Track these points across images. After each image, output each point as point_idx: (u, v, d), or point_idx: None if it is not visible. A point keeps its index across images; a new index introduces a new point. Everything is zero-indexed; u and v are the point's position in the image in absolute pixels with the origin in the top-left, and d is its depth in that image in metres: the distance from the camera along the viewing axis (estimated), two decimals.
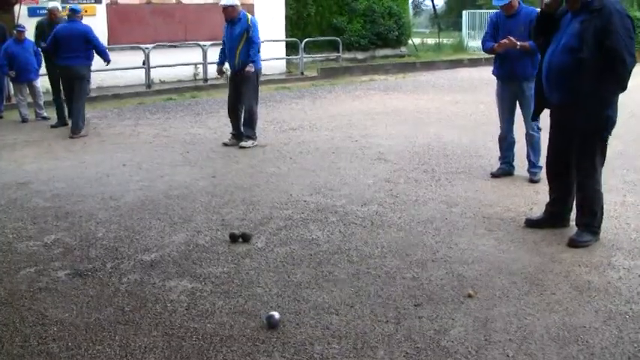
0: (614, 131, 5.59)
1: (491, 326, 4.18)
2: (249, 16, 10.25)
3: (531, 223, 6.13)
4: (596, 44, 5.28)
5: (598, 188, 5.68)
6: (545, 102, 5.91)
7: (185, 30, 19.60)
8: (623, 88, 5.39)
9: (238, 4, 10.15)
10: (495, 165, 8.18)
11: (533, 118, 6.45)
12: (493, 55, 7.96)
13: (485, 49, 7.99)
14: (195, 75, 19.72)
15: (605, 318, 4.30)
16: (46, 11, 13.08)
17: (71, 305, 4.59)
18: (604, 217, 5.77)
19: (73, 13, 11.57)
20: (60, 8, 12.87)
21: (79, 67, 11.34)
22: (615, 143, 7.40)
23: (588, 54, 5.31)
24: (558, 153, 5.86)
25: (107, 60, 11.87)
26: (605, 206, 5.80)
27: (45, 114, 13.07)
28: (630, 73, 5.31)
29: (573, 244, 5.58)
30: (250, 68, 10.10)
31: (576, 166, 5.69)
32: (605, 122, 5.42)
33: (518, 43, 7.45)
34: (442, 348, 3.93)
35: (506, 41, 7.48)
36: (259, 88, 10.57)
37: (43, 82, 13.32)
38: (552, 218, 6.06)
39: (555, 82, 5.65)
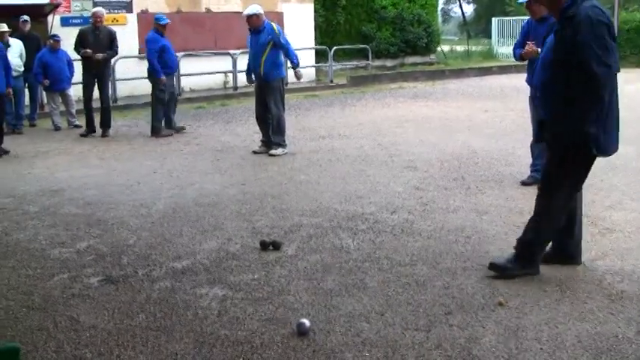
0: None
1: (522, 335, 4.16)
2: (274, 24, 10.32)
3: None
4: (568, 57, 4.77)
5: (551, 214, 5.12)
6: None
7: (215, 39, 19.74)
8: (598, 100, 4.77)
9: (262, 12, 10.23)
10: (526, 173, 8.13)
11: (535, 139, 5.91)
12: (525, 62, 7.94)
13: (514, 56, 7.97)
14: (225, 83, 19.86)
15: (639, 327, 4.26)
16: (90, 16, 13.13)
17: (103, 311, 4.63)
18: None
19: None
20: (105, 13, 12.99)
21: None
22: None
23: (560, 68, 4.83)
24: None
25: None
26: (636, 213, 5.68)
27: (77, 122, 13.26)
28: (604, 85, 4.72)
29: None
30: (300, 73, 10.43)
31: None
32: (585, 139, 4.83)
33: (540, 49, 7.41)
34: (473, 357, 3.91)
35: (528, 48, 7.47)
36: (285, 95, 10.64)
37: (75, 91, 13.49)
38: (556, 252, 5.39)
39: (540, 99, 5.35)
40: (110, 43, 12.31)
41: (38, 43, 13.54)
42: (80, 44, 12.21)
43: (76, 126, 13.21)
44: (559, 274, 5.15)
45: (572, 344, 4.03)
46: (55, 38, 13.22)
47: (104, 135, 12.30)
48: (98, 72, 12.32)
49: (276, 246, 5.85)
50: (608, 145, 5.00)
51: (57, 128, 13.20)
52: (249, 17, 10.12)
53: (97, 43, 12.11)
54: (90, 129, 12.43)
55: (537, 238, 5.15)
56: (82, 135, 12.35)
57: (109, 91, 12.65)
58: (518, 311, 4.50)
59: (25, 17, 13.61)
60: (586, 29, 4.70)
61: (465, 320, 4.37)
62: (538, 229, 5.15)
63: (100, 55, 11.96)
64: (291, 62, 10.27)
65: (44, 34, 14.77)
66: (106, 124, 12.46)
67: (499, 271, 5.12)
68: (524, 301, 4.65)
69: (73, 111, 13.44)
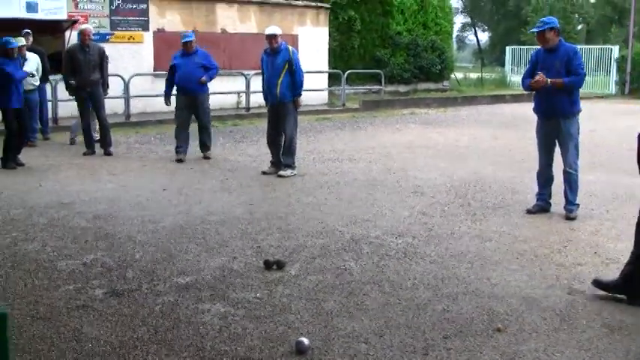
0: None
1: None
2: (290, 47, 10.42)
3: (599, 285, 5.42)
4: None
5: None
6: None
7: (229, 59, 19.91)
8: None
9: (280, 33, 10.35)
10: (532, 201, 8.17)
11: None
12: (533, 92, 8.01)
13: (523, 86, 8.04)
14: (238, 103, 20.01)
15: (637, 358, 4.28)
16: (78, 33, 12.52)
17: (106, 323, 4.70)
18: None
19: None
20: (92, 29, 12.69)
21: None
22: None
23: None
24: None
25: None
26: None
27: (97, 136, 13.14)
28: None
29: None
30: (300, 101, 10.44)
31: None
32: None
33: (549, 80, 7.51)
34: None
35: (537, 78, 7.54)
36: (298, 117, 10.73)
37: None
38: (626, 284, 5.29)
39: None
40: (100, 61, 12.10)
41: (42, 57, 13.58)
42: (70, 63, 11.98)
43: (96, 141, 13.06)
44: (559, 302, 5.19)
45: None
46: None
47: (107, 154, 12.11)
48: (91, 93, 12.06)
49: (279, 265, 5.91)
50: None
51: (72, 142, 13.30)
52: (274, 37, 10.21)
53: (88, 62, 11.90)
54: (90, 150, 12.24)
55: None
56: (85, 154, 12.16)
57: (105, 109, 12.40)
58: (516, 338, 4.53)
59: (27, 30, 13.65)
60: None
61: (462, 344, 4.41)
62: None
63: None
64: (296, 89, 10.34)
65: (62, 50, 14.94)
66: (106, 143, 12.28)
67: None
68: (522, 328, 4.68)
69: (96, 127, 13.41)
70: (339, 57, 24.62)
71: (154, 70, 18.20)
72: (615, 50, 30.86)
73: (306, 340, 4.29)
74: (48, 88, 14.65)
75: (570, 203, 7.81)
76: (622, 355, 4.32)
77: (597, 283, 5.39)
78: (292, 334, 4.51)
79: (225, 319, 4.80)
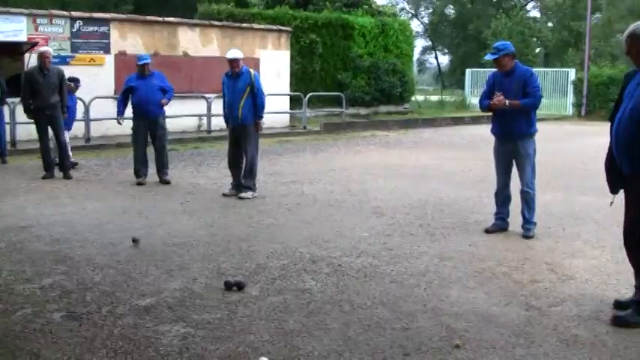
0: None
1: None
2: (252, 71, 10.48)
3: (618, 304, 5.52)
4: None
5: None
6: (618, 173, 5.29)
7: (191, 82, 19.92)
8: None
9: (242, 57, 10.41)
10: (490, 220, 8.28)
11: (611, 191, 5.46)
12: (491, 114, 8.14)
13: (481, 107, 8.17)
14: (199, 126, 20.00)
15: None
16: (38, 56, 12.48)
17: (65, 346, 4.66)
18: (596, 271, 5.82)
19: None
20: (52, 52, 12.62)
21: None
22: None
23: None
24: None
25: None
26: (595, 261, 5.84)
27: (57, 160, 13.04)
28: None
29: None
30: (262, 123, 10.45)
31: None
32: None
33: (507, 101, 7.65)
34: None
35: (497, 99, 7.67)
36: (259, 140, 10.76)
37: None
38: None
39: (623, 152, 5.15)
40: (60, 84, 12.04)
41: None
42: (29, 86, 11.89)
43: (56, 164, 12.93)
44: (516, 318, 5.27)
45: None
46: (77, 84, 13.38)
47: (66, 177, 11.99)
48: (50, 115, 11.99)
49: (240, 286, 5.92)
50: None
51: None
52: (236, 60, 10.25)
53: (47, 84, 11.85)
54: (49, 173, 12.09)
55: None
56: (44, 177, 11.99)
57: (63, 132, 12.31)
58: (474, 354, 4.60)
59: None
60: None
61: None
62: None
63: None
64: (257, 112, 10.37)
65: (20, 72, 14.82)
66: (65, 166, 12.19)
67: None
68: (480, 344, 4.75)
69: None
70: (301, 80, 24.77)
71: (115, 93, 18.12)
72: (572, 73, 31.48)
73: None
74: (6, 110, 14.49)
75: (527, 222, 7.93)
76: None
77: (617, 304, 5.52)
78: (253, 354, 4.53)
79: (186, 340, 4.79)
